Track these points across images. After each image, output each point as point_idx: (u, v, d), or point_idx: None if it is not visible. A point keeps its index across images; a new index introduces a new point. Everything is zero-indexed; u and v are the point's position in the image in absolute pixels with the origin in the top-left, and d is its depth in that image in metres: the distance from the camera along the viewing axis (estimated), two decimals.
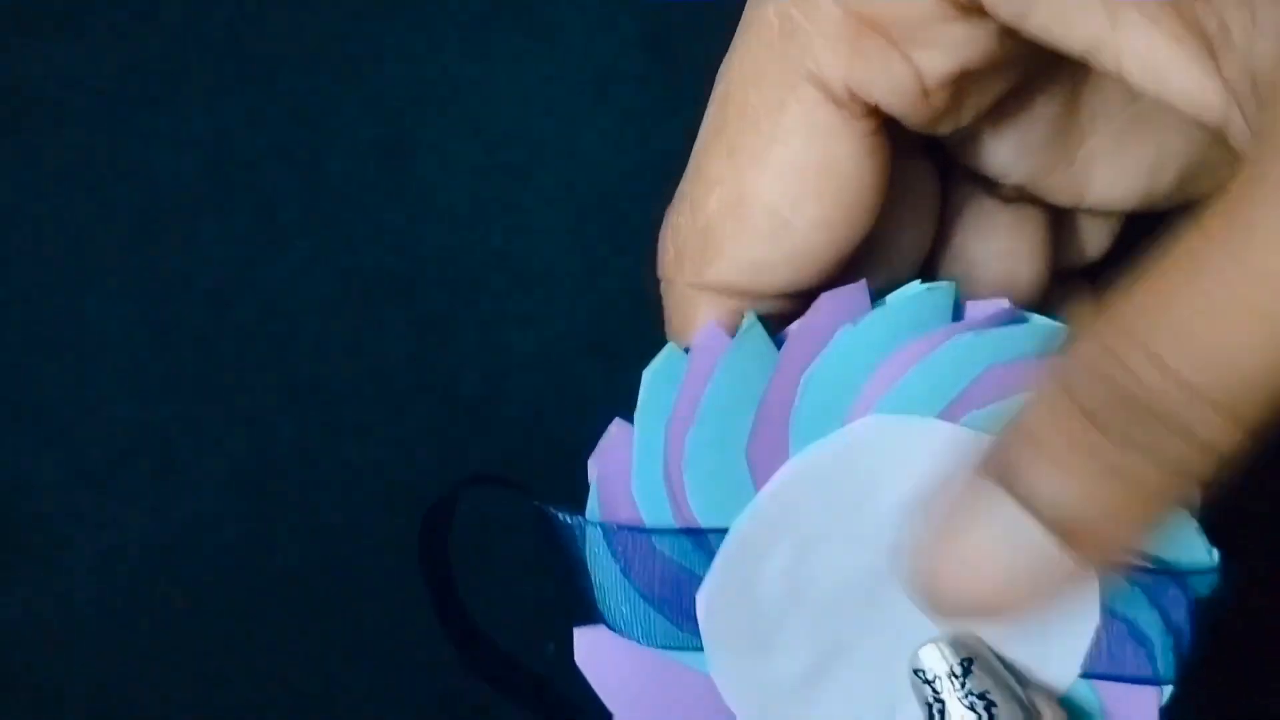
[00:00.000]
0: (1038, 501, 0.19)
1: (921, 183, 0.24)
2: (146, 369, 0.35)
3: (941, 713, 0.22)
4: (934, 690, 0.22)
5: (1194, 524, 0.23)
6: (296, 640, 0.36)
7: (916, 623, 0.23)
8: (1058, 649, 0.23)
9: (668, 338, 0.23)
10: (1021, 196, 0.24)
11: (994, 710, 0.22)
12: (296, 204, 0.35)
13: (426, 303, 0.35)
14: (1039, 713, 0.22)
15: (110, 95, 0.35)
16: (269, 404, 0.35)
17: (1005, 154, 0.24)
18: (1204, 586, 0.23)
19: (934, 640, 0.22)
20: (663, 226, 0.23)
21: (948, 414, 0.22)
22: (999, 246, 0.25)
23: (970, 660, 0.22)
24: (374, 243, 0.34)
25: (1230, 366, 0.17)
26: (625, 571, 0.23)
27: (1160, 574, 0.23)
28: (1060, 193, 0.24)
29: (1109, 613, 0.23)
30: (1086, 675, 0.23)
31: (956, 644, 0.22)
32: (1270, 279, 0.16)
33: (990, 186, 0.24)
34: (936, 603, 0.20)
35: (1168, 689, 0.24)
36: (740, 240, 0.22)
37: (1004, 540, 0.19)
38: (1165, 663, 0.23)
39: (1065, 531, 0.19)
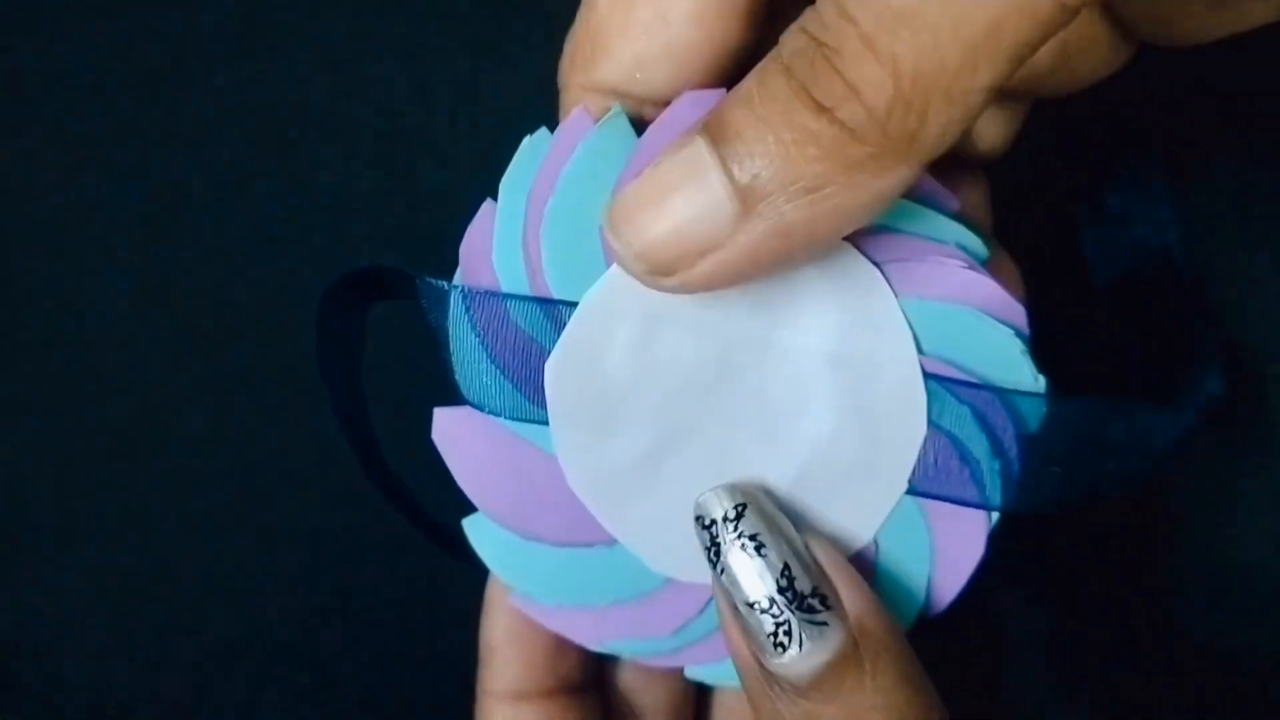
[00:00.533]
0: (727, 154, 0.20)
1: None
2: (146, 368, 0.35)
3: (718, 553, 0.23)
4: (710, 535, 0.23)
5: (1021, 348, 0.24)
6: (296, 640, 0.36)
7: (757, 412, 0.24)
8: (887, 459, 0.24)
9: None
10: None
11: (763, 550, 0.23)
12: (295, 204, 0.35)
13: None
14: (810, 552, 0.23)
15: (110, 95, 0.35)
16: (268, 404, 0.35)
17: None
18: (1032, 417, 0.24)
19: (713, 489, 0.24)
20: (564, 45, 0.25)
21: None
22: None
23: (744, 505, 0.23)
24: (373, 243, 0.35)
25: (885, 3, 0.18)
26: (481, 339, 0.24)
27: (983, 389, 0.24)
28: None
29: (935, 426, 0.24)
30: (913, 491, 0.24)
31: (733, 490, 0.24)
32: None
33: None
34: (615, 234, 0.21)
35: (994, 516, 0.25)
36: (625, 35, 0.24)
37: (689, 188, 0.20)
38: (993, 488, 0.24)
39: (743, 189, 0.20)
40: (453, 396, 0.25)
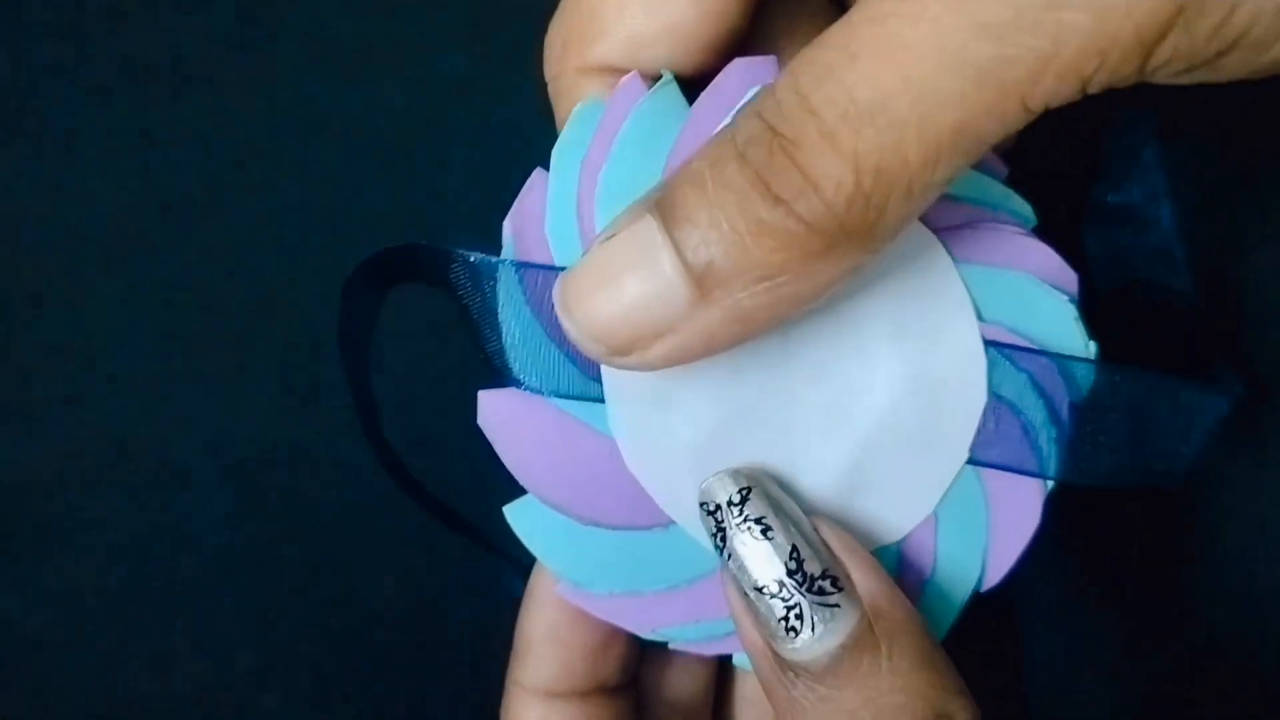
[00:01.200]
0: (680, 237, 0.20)
1: (825, 13, 0.26)
2: (146, 369, 0.35)
3: (724, 538, 0.22)
4: (716, 521, 0.23)
5: (1075, 314, 0.24)
6: (295, 639, 0.35)
7: (818, 387, 0.24)
8: (949, 428, 0.24)
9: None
10: None
11: (770, 533, 0.22)
12: (296, 204, 0.35)
13: (427, 302, 0.36)
14: (818, 533, 0.23)
15: (110, 95, 0.35)
16: (269, 404, 0.35)
17: None
18: (1084, 382, 0.24)
19: (716, 474, 0.23)
20: (547, 33, 0.24)
21: None
22: None
23: (748, 489, 0.23)
24: (374, 243, 0.35)
25: (850, 98, 0.18)
26: (536, 313, 0.23)
27: (1042, 355, 0.24)
28: None
29: (994, 394, 0.24)
30: (974, 461, 0.24)
31: (737, 475, 0.23)
32: (894, 4, 0.18)
33: None
34: (568, 315, 0.21)
35: (1050, 484, 0.24)
36: (621, 16, 0.23)
37: (640, 269, 0.20)
38: (1050, 456, 0.24)
39: (698, 274, 0.20)
40: (489, 379, 0.24)
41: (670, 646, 0.25)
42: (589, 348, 0.21)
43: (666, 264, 0.20)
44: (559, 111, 0.24)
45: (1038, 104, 0.19)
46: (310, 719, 0.35)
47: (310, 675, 0.35)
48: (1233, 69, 0.19)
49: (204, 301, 0.35)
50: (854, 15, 0.19)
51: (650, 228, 0.20)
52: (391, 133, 0.35)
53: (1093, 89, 0.19)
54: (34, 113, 0.35)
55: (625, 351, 0.21)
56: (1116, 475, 0.24)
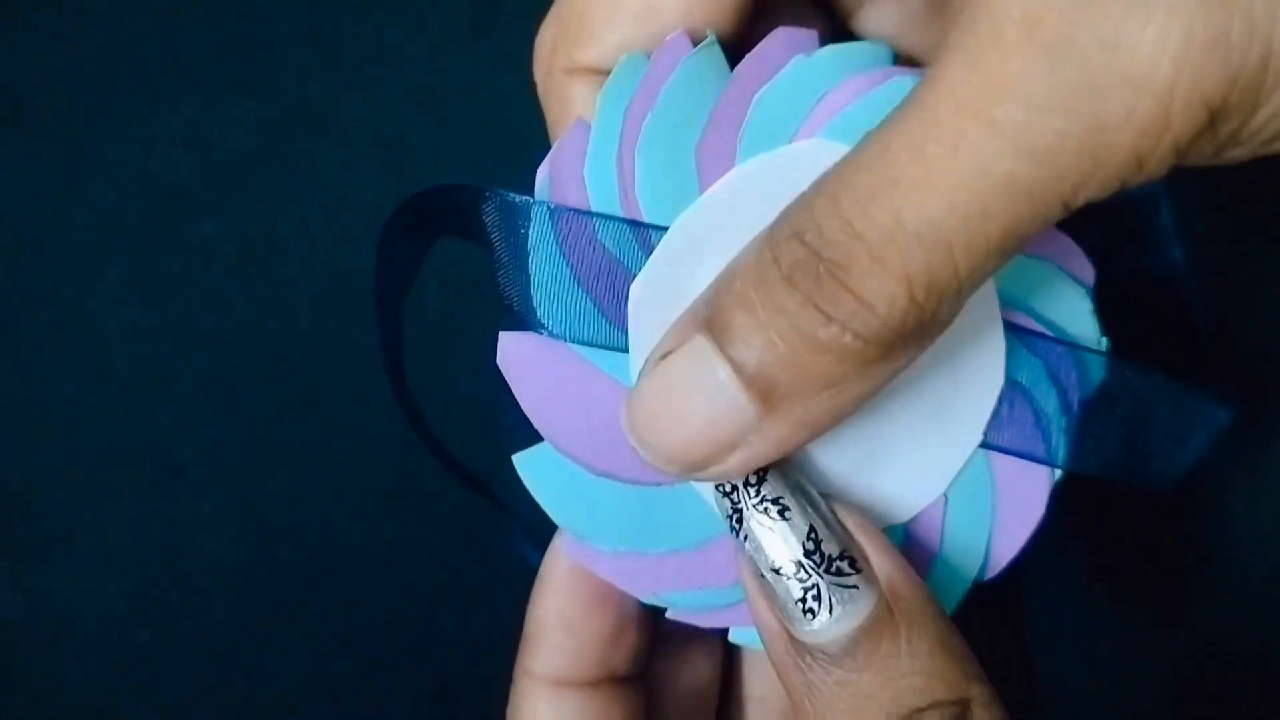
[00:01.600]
0: (738, 358, 0.20)
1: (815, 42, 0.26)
2: (146, 369, 0.35)
3: (740, 520, 0.22)
4: (732, 502, 0.22)
5: (1090, 306, 0.24)
6: (295, 639, 0.35)
7: None
8: (964, 408, 0.24)
9: (550, 139, 0.24)
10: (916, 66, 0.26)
11: (787, 514, 0.22)
12: (296, 204, 0.35)
13: (427, 302, 0.36)
14: (835, 514, 0.23)
15: (110, 95, 0.35)
16: (269, 404, 0.35)
17: (890, 23, 0.26)
18: (1096, 373, 0.25)
19: None
20: (538, 33, 0.25)
21: None
22: None
23: (765, 470, 0.23)
24: (374, 243, 0.35)
25: (896, 222, 0.19)
26: (566, 257, 0.23)
27: (1060, 343, 0.24)
28: None
29: (1010, 379, 0.24)
30: (986, 445, 0.24)
31: None
32: (928, 127, 0.19)
33: None
34: (641, 441, 0.22)
35: (1058, 473, 0.24)
36: (612, 22, 0.23)
37: (703, 390, 0.21)
38: (1059, 445, 0.24)
39: (761, 389, 0.20)
40: (513, 323, 0.24)
41: (668, 614, 0.24)
42: (667, 470, 0.21)
43: (727, 381, 0.20)
44: (547, 111, 0.25)
45: (1079, 204, 0.19)
46: (311, 719, 0.35)
47: (310, 675, 0.35)
48: (1242, 156, 0.20)
49: (204, 301, 0.35)
50: (889, 138, 0.19)
51: (704, 347, 0.20)
52: (391, 133, 0.35)
53: (1131, 186, 0.19)
54: (34, 113, 0.35)
55: (704, 467, 0.21)
56: (1115, 470, 0.25)
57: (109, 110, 0.35)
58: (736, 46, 0.24)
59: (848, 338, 0.19)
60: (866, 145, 0.19)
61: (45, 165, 0.35)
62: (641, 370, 0.22)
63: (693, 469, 0.21)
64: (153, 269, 0.35)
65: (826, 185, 0.20)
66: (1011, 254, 0.19)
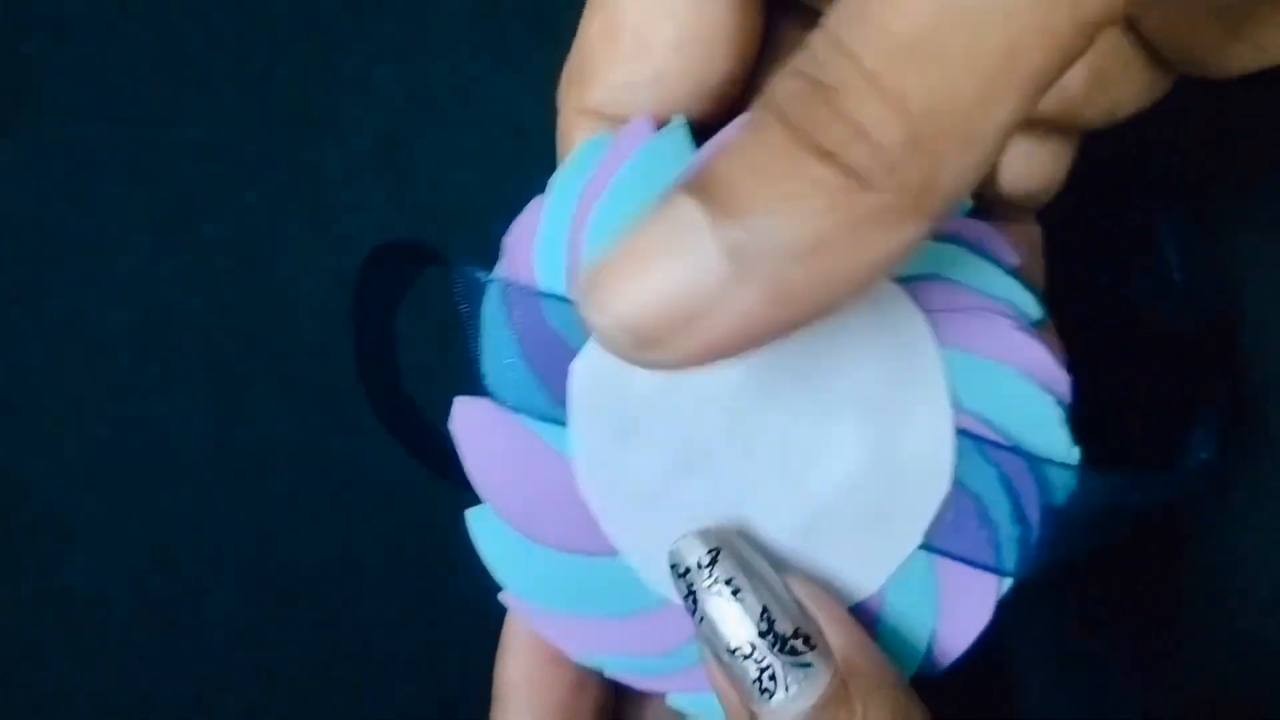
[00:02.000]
0: (723, 211, 0.18)
1: None
2: (146, 369, 0.35)
3: (695, 602, 0.22)
4: (687, 583, 0.23)
5: (1061, 417, 0.24)
6: (296, 640, 0.35)
7: (780, 446, 0.24)
8: (905, 510, 0.24)
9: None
10: None
11: (740, 594, 0.22)
12: (296, 204, 0.35)
13: (428, 302, 0.36)
14: (791, 594, 0.23)
15: (110, 95, 0.35)
16: (269, 404, 0.35)
17: None
18: (1061, 489, 0.24)
19: (686, 534, 0.23)
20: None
21: None
22: None
23: (718, 550, 0.23)
24: (374, 243, 0.35)
25: (886, 32, 0.17)
26: (513, 332, 0.24)
27: (1016, 453, 0.23)
28: None
29: (959, 484, 0.24)
30: (927, 546, 0.24)
31: (707, 535, 0.23)
32: None
33: None
34: (591, 303, 0.19)
35: (1007, 582, 0.24)
36: (611, 63, 0.23)
37: (674, 249, 0.18)
38: (1009, 554, 0.24)
39: (740, 253, 0.18)
40: (474, 386, 0.24)
41: (605, 673, 0.25)
42: (615, 339, 0.19)
43: (704, 240, 0.18)
44: (560, 151, 0.25)
45: (1090, 15, 0.17)
46: (311, 719, 0.35)
47: (311, 676, 0.35)
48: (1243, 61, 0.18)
49: (204, 301, 0.35)
50: None
51: (686, 206, 0.18)
52: (392, 133, 0.35)
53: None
54: (34, 113, 0.35)
55: (655, 343, 0.18)
56: (1072, 565, 0.24)
57: (109, 110, 0.35)
58: (734, 87, 0.24)
59: (840, 174, 0.17)
60: None
61: (45, 165, 0.35)
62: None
63: (645, 344, 0.18)
64: (153, 269, 0.35)
65: (826, 22, 0.18)
66: (1024, 95, 0.17)
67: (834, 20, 0.18)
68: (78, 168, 0.35)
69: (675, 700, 0.25)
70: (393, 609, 0.35)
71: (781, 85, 0.18)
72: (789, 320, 0.18)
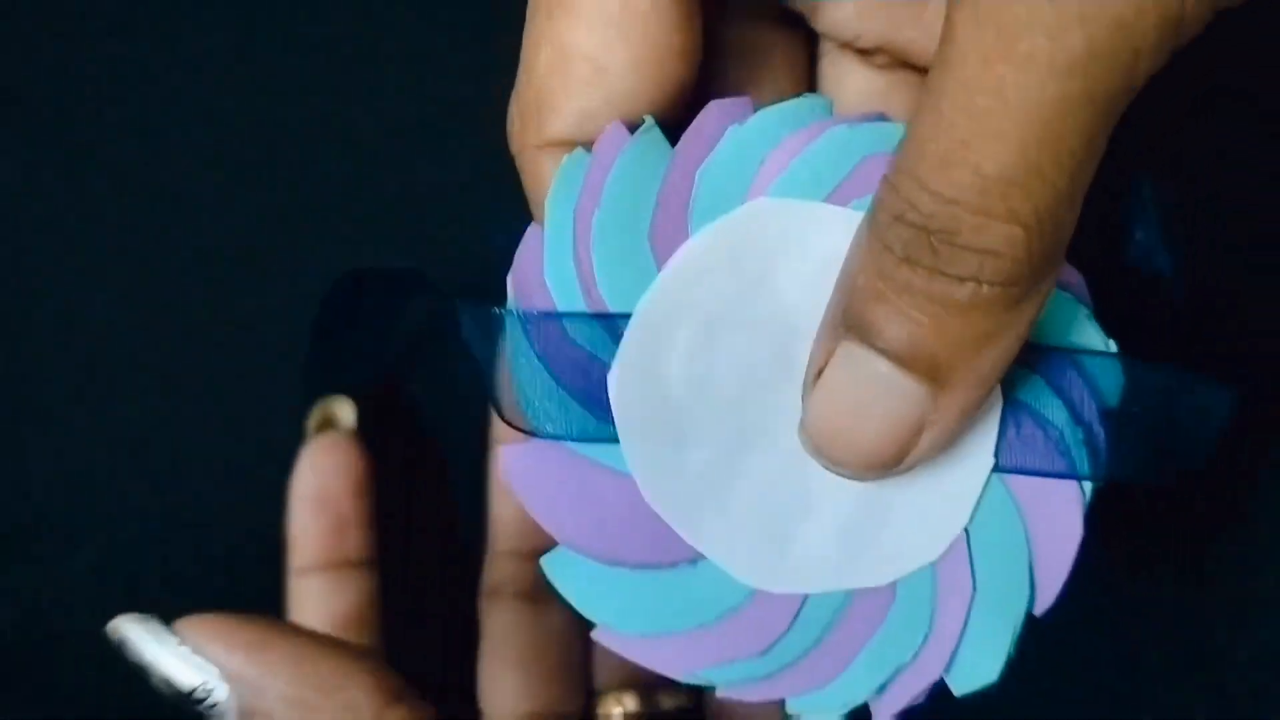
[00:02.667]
0: (891, 347, 0.21)
1: (780, 51, 0.27)
2: (146, 369, 0.35)
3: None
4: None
5: (1087, 312, 0.24)
6: None
7: None
8: (968, 435, 0.23)
9: (531, 210, 0.25)
10: (894, 63, 0.27)
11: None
12: (297, 204, 0.35)
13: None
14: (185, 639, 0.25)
15: (110, 95, 0.36)
16: (269, 404, 0.35)
17: (847, 14, 0.26)
18: (1106, 383, 0.24)
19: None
20: (508, 108, 0.25)
21: (834, 200, 0.24)
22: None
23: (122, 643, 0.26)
24: (374, 243, 0.35)
25: (981, 176, 0.19)
26: (542, 360, 0.24)
27: (1052, 351, 0.23)
28: (920, 53, 0.26)
29: (1011, 398, 0.23)
30: (1001, 468, 0.24)
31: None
32: (968, 84, 0.19)
33: (863, 55, 0.27)
34: (833, 463, 0.22)
35: (1088, 491, 0.24)
36: (568, 92, 0.24)
37: (870, 388, 0.21)
38: (1079, 456, 0.24)
39: (925, 368, 0.21)
40: (508, 428, 0.24)
41: (718, 693, 0.24)
42: (868, 476, 0.22)
43: (889, 374, 0.21)
44: (526, 189, 0.25)
45: (1142, 81, 0.19)
46: None
47: None
48: None
49: (205, 301, 0.35)
50: (939, 106, 0.19)
51: (854, 350, 0.21)
52: (392, 134, 0.36)
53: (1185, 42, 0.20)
54: (34, 113, 0.36)
55: (900, 460, 0.22)
56: (1144, 471, 0.24)
57: (109, 110, 0.36)
58: (693, 90, 0.24)
59: (985, 289, 0.20)
60: (921, 119, 0.20)
61: (45, 165, 0.35)
62: (802, 395, 0.22)
63: (890, 465, 0.22)
64: (153, 268, 0.35)
65: (903, 165, 0.20)
66: (1103, 143, 0.20)
67: (921, 171, 0.20)
68: (77, 167, 0.36)
69: (794, 705, 0.24)
70: (394, 609, 0.34)
71: (893, 234, 0.20)
72: (992, 387, 0.22)
